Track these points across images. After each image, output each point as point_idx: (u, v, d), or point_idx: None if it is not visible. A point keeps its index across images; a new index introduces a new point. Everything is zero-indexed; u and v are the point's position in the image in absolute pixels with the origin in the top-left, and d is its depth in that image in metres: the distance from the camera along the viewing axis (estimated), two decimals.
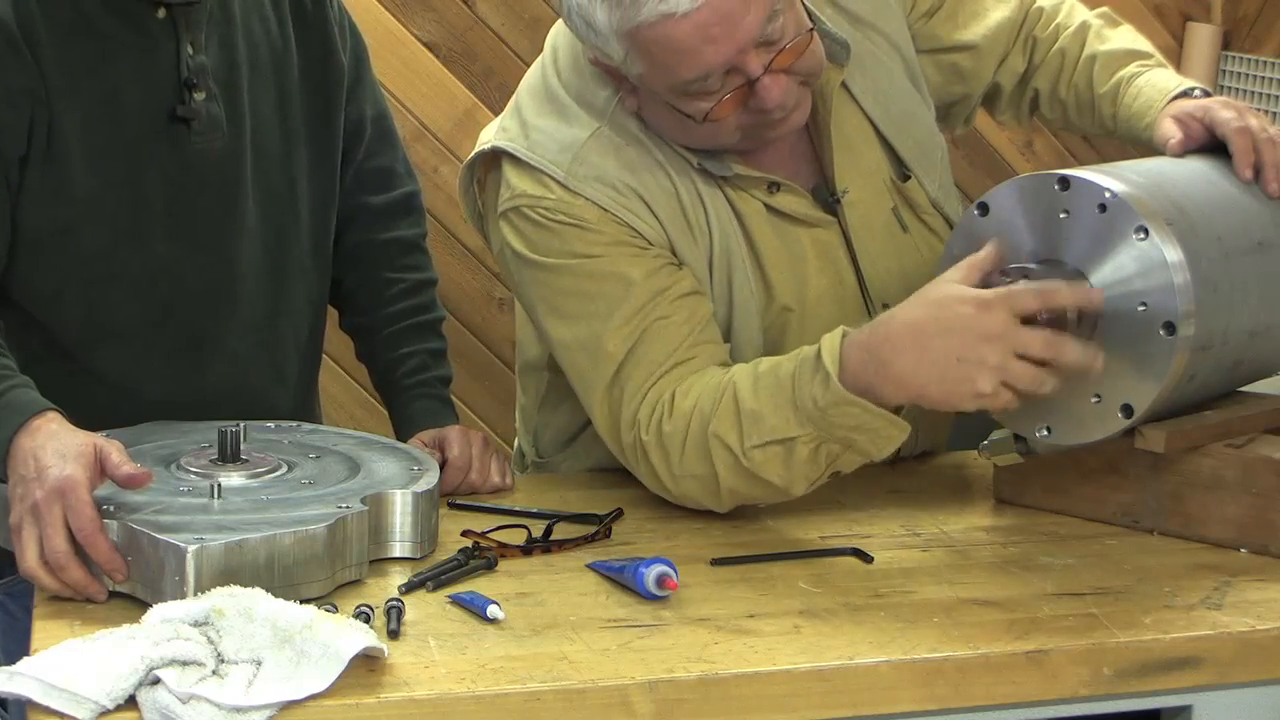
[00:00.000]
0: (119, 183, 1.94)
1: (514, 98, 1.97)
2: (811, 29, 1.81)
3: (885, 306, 1.95)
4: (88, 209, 1.93)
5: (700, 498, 1.85)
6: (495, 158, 1.93)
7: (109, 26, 1.92)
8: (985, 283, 1.70)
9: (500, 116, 1.97)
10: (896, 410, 1.74)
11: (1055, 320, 1.69)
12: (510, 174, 1.90)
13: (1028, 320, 1.67)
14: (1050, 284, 1.69)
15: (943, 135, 2.10)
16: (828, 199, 1.96)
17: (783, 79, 1.78)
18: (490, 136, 1.94)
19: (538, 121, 1.90)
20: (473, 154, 1.95)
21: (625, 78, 1.83)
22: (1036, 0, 2.14)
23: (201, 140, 1.97)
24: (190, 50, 1.96)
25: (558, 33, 1.95)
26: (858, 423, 1.73)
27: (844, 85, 1.95)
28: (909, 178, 2.01)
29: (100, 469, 1.63)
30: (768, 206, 1.92)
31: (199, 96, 1.96)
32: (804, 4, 1.85)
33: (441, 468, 1.88)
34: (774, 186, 1.92)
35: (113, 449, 1.64)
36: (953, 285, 1.69)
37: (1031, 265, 1.72)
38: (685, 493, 1.86)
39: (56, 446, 1.64)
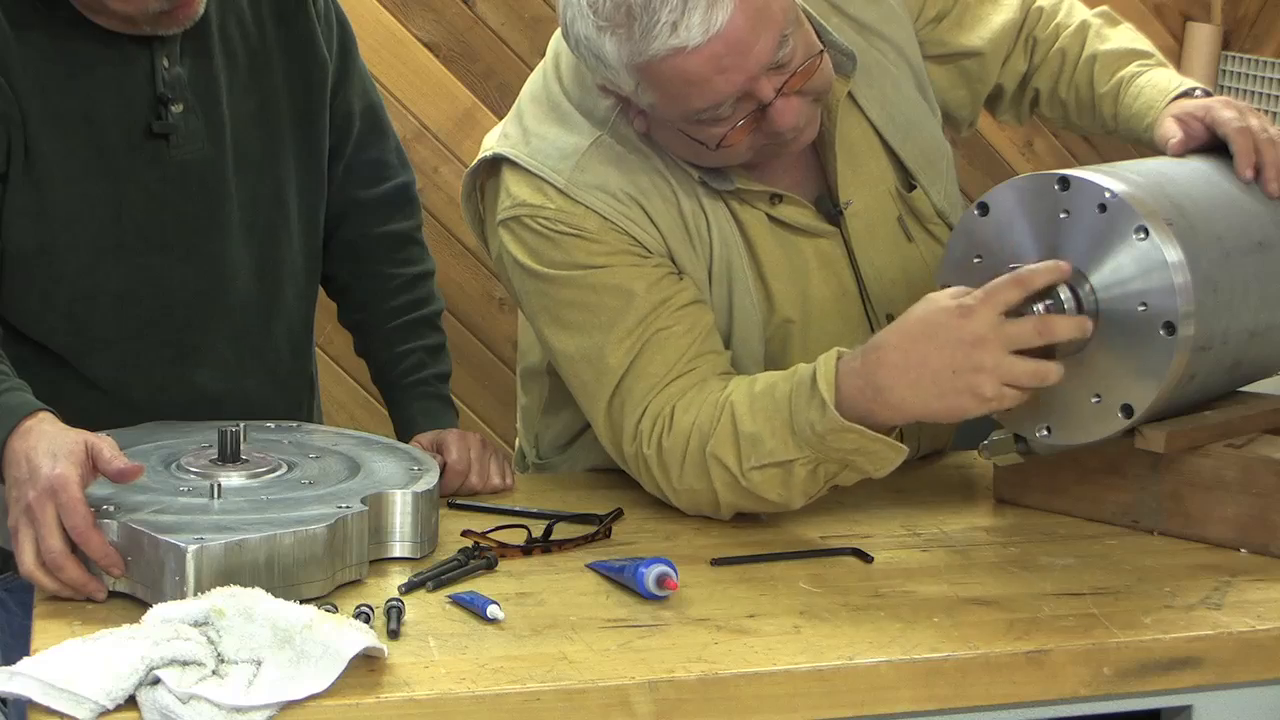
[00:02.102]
0: (99, 199, 1.93)
1: (516, 103, 1.97)
2: (821, 51, 1.80)
3: (889, 317, 1.96)
4: (68, 227, 1.92)
5: (701, 509, 1.86)
6: (496, 164, 1.92)
7: (82, 45, 1.91)
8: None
9: (503, 122, 1.97)
10: (894, 431, 1.74)
11: (1052, 313, 1.69)
12: (510, 181, 1.89)
13: (1017, 315, 1.67)
14: (1026, 268, 1.68)
15: (948, 141, 2.10)
16: (831, 210, 1.96)
17: (795, 101, 1.78)
18: (492, 143, 1.94)
19: (539, 128, 1.90)
20: (476, 160, 1.95)
21: (634, 104, 1.83)
22: (1036, 0, 2.14)
23: (181, 152, 1.96)
24: (165, 63, 1.95)
25: (560, 39, 1.94)
26: (856, 447, 1.73)
27: (850, 95, 1.95)
28: (914, 187, 2.00)
29: (93, 465, 1.63)
30: (770, 217, 1.92)
31: (176, 109, 1.95)
32: (811, 17, 1.85)
33: (441, 471, 1.87)
34: (776, 198, 1.92)
35: (104, 445, 1.64)
36: (933, 297, 1.70)
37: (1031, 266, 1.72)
38: (685, 504, 1.86)
39: (48, 446, 1.64)
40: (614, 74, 1.77)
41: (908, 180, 2.00)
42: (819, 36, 1.85)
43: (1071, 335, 1.67)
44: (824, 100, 1.87)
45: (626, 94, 1.79)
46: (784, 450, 1.76)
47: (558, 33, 1.94)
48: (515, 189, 1.88)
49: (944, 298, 1.69)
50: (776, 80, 1.76)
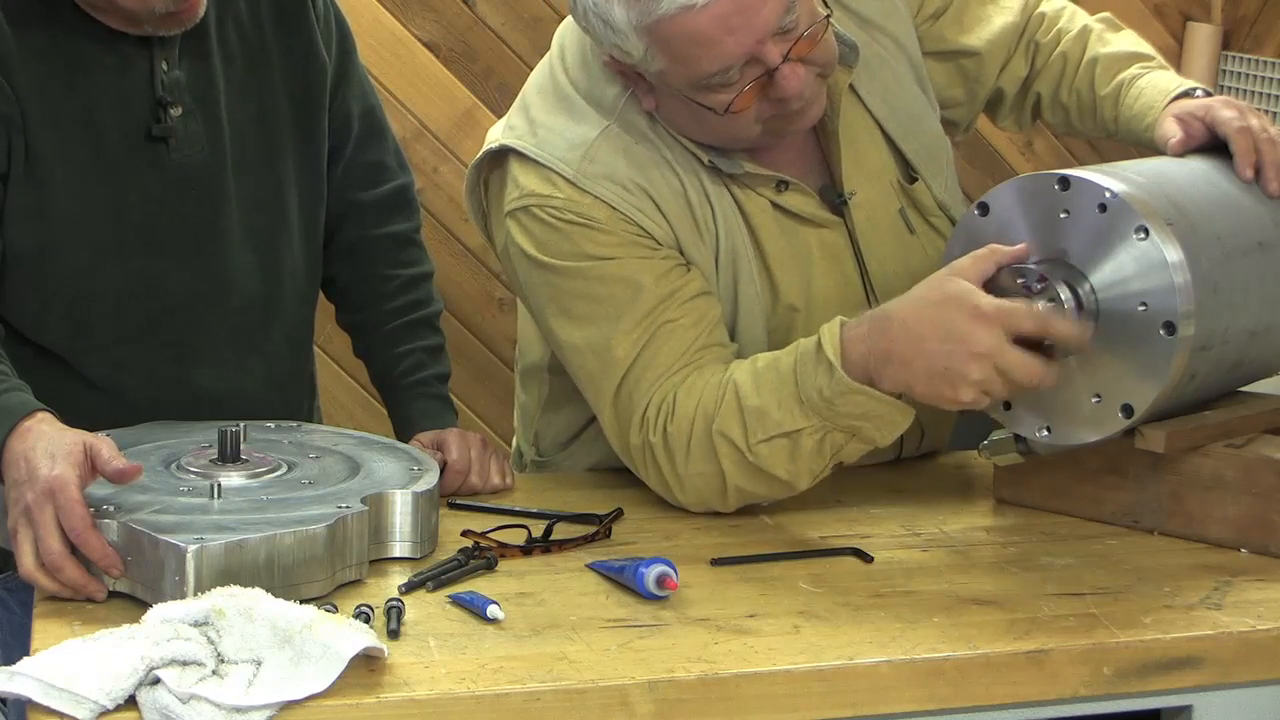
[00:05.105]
0: (98, 201, 1.93)
1: (521, 95, 1.97)
2: (827, 16, 1.81)
3: None
4: (68, 228, 1.92)
5: (707, 498, 1.86)
6: (500, 156, 1.92)
7: (82, 47, 1.91)
8: (994, 280, 1.70)
9: (507, 115, 1.97)
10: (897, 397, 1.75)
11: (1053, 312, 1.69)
12: (518, 172, 1.89)
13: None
14: (1050, 313, 1.68)
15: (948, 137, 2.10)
16: (835, 200, 1.96)
17: (800, 68, 1.79)
18: (498, 135, 1.94)
19: (546, 119, 1.90)
20: (481, 152, 1.95)
21: (642, 77, 1.83)
22: (1039, 6, 2.14)
23: (180, 155, 1.97)
24: (165, 67, 1.95)
25: (566, 30, 1.95)
26: (864, 410, 1.74)
27: (851, 87, 1.95)
28: (915, 180, 2.01)
29: (91, 466, 1.63)
30: (775, 205, 1.92)
31: (175, 113, 1.96)
32: None
33: (441, 470, 1.87)
34: (782, 185, 1.92)
35: (103, 445, 1.64)
36: (957, 284, 1.69)
37: (1031, 266, 1.72)
38: (691, 493, 1.86)
39: (46, 447, 1.64)
40: (622, 39, 1.77)
41: (909, 173, 2.01)
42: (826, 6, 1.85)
43: (1052, 388, 1.69)
44: (829, 77, 1.87)
45: (635, 62, 1.80)
46: (791, 420, 1.76)
47: (563, 24, 1.95)
48: (523, 180, 1.88)
49: (968, 287, 1.68)
50: (783, 45, 1.77)
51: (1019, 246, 1.72)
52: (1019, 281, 1.70)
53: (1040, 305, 1.69)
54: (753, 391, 1.78)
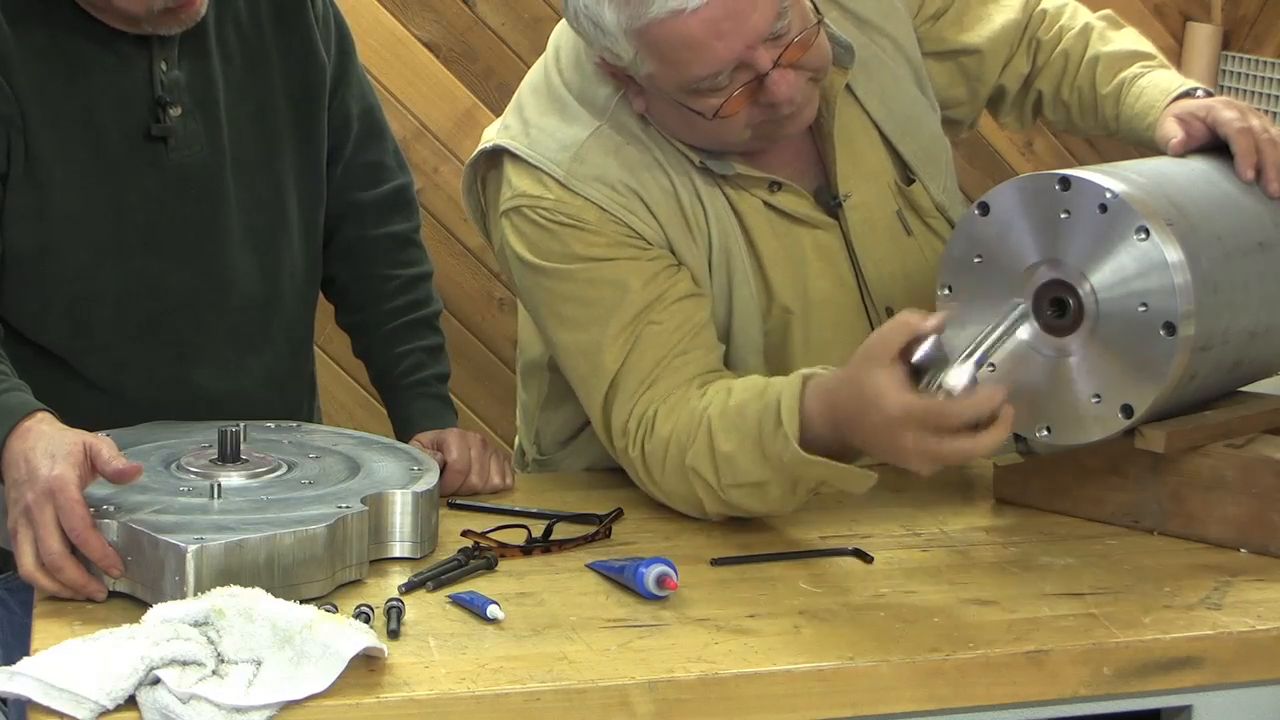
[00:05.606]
0: (98, 201, 1.93)
1: (516, 96, 1.97)
2: (818, 21, 1.81)
3: (888, 310, 1.96)
4: (68, 228, 1.92)
5: (688, 509, 1.86)
6: (497, 156, 1.93)
7: (82, 47, 1.91)
8: (925, 358, 1.64)
9: (503, 114, 1.97)
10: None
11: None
12: (511, 173, 1.90)
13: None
14: (952, 403, 1.60)
15: (947, 138, 2.10)
16: (829, 202, 1.96)
17: (791, 74, 1.79)
18: (492, 135, 1.94)
19: (539, 120, 1.91)
20: (475, 152, 1.95)
21: (632, 79, 1.83)
22: (1040, 3, 2.14)
23: (179, 155, 1.97)
24: (164, 67, 1.95)
25: (561, 31, 1.95)
26: (823, 476, 1.75)
27: (848, 88, 1.95)
28: (913, 181, 2.01)
29: (91, 466, 1.63)
30: (768, 205, 1.92)
31: (174, 113, 1.96)
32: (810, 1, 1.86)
33: (441, 470, 1.87)
34: (775, 186, 1.92)
35: (103, 445, 1.64)
36: (870, 384, 1.64)
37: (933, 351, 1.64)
38: (675, 503, 1.87)
39: (46, 447, 1.64)
40: (613, 41, 1.77)
41: (906, 174, 2.01)
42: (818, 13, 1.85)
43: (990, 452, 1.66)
44: (822, 80, 1.87)
45: (625, 65, 1.80)
46: (758, 472, 1.77)
47: (559, 25, 1.94)
48: (516, 180, 1.89)
49: (874, 386, 1.63)
50: (774, 51, 1.77)
51: (935, 317, 1.65)
52: (942, 351, 1.64)
53: (944, 391, 1.60)
54: (723, 434, 1.78)
